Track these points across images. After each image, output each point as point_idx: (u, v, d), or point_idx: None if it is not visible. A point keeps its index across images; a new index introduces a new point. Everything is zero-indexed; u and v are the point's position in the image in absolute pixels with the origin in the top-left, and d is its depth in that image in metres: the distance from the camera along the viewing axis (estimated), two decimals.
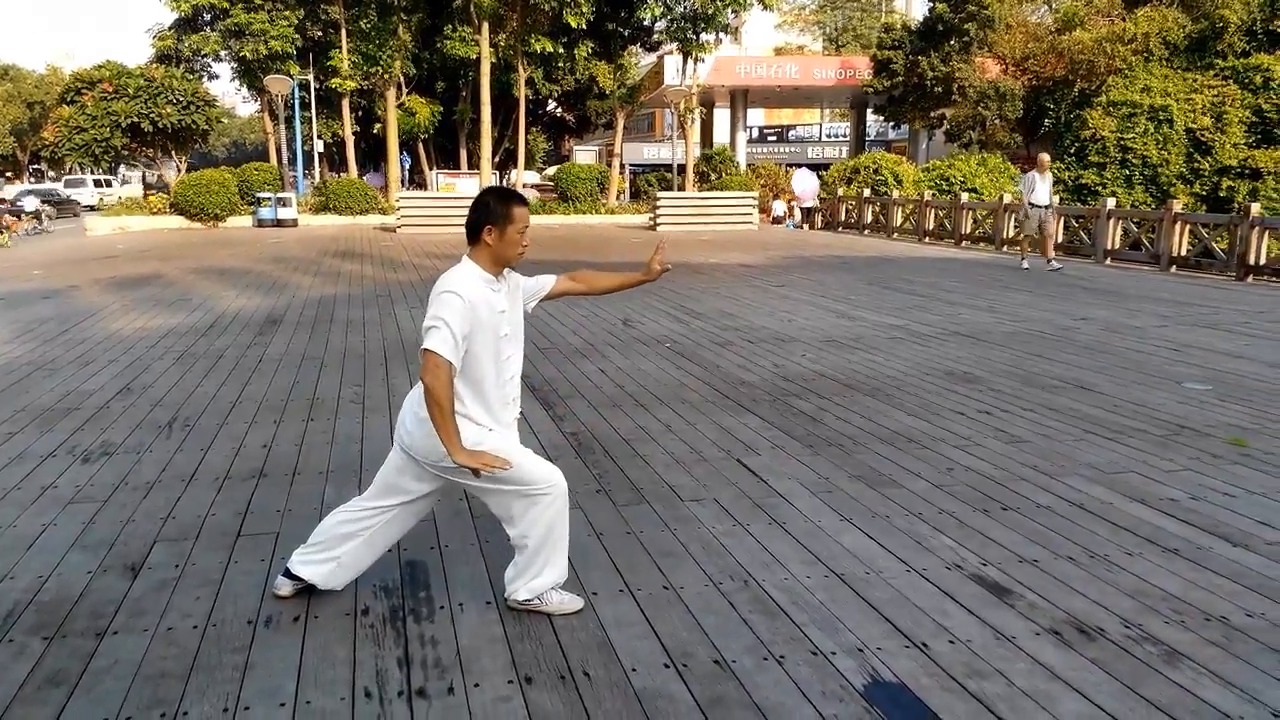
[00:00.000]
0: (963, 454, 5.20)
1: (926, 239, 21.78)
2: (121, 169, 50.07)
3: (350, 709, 2.74)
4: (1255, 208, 14.53)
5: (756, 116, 51.24)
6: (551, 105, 41.29)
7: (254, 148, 69.00)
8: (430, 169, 37.61)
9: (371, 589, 3.48)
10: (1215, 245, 15.32)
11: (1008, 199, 20.24)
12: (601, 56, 31.75)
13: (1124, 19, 29.51)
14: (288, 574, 3.40)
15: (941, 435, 5.57)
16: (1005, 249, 18.92)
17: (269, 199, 27.04)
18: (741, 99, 40.73)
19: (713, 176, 31.71)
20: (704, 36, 28.81)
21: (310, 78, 33.18)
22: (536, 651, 3.05)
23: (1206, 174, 27.45)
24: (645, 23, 32.28)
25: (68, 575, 3.62)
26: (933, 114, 33.72)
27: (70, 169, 47.04)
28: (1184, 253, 15.45)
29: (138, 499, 4.46)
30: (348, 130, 32.48)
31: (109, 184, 46.24)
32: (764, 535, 4.03)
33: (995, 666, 2.97)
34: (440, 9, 31.46)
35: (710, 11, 27.25)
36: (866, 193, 25.91)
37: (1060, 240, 17.29)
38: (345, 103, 31.77)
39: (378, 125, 34.48)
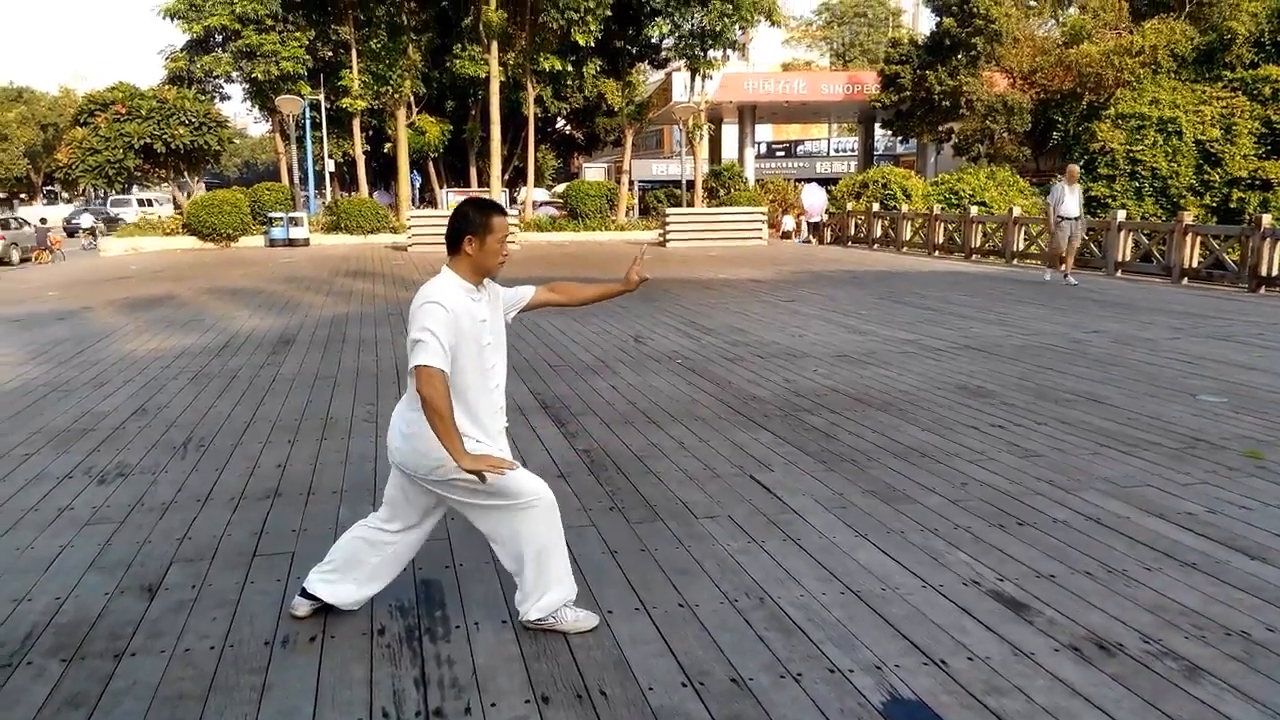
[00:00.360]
0: (977, 469, 5.18)
1: (936, 253, 21.78)
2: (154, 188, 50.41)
3: None
4: (1267, 219, 14.43)
5: (764, 132, 51.41)
6: (560, 123, 41.50)
7: (265, 168, 69.51)
8: (441, 187, 37.83)
9: (387, 608, 3.48)
10: (1227, 257, 15.27)
11: (1017, 212, 20.22)
12: (610, 74, 31.90)
13: (1131, 32, 29.58)
14: (304, 593, 3.41)
15: (955, 450, 5.55)
16: (1015, 262, 18.90)
17: (281, 219, 27.23)
18: (749, 115, 40.93)
19: (721, 192, 31.77)
20: (712, 53, 28.92)
21: (321, 98, 33.48)
22: (553, 670, 3.05)
23: (1217, 185, 27.42)
24: (653, 40, 32.42)
25: (85, 597, 3.63)
26: (941, 128, 33.81)
27: (83, 190, 47.37)
28: (1195, 264, 15.40)
29: (154, 520, 4.48)
30: (358, 150, 32.68)
31: (152, 203, 46.47)
32: (779, 552, 4.02)
33: (1014, 683, 2.95)
34: (450, 28, 31.72)
35: (718, 29, 27.37)
36: (875, 207, 25.93)
37: None
38: (356, 122, 32.00)
39: (388, 144, 34.67)
